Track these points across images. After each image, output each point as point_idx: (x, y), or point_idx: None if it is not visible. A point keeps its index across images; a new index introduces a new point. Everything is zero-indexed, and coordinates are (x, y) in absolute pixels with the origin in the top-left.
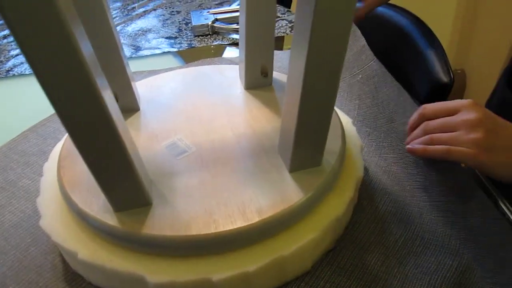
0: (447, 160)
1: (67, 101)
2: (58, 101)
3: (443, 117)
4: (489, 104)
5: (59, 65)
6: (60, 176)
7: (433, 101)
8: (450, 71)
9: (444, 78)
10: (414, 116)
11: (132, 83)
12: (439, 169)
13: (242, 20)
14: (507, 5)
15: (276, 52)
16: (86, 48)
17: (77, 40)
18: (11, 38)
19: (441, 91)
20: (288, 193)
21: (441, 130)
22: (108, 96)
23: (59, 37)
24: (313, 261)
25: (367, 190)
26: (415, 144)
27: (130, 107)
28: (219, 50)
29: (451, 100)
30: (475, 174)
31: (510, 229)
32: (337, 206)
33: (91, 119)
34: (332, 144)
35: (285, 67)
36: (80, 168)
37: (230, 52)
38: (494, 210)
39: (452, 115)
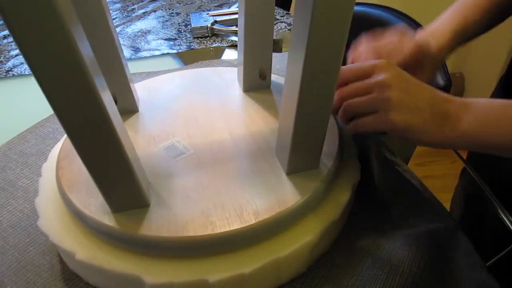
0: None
1: (66, 102)
2: (57, 102)
3: (357, 80)
4: None
5: (58, 66)
6: (58, 176)
7: None
8: (447, 74)
9: (441, 82)
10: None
11: (131, 85)
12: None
13: (241, 23)
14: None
15: (274, 54)
16: (85, 49)
17: (76, 41)
18: (11, 39)
19: None
20: (285, 195)
21: (356, 95)
22: (107, 98)
23: (58, 38)
24: (308, 263)
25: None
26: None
27: (129, 108)
28: (218, 52)
29: None
30: (474, 181)
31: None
32: (333, 209)
33: (90, 121)
34: (328, 147)
35: (283, 69)
36: (78, 168)
37: (229, 54)
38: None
39: (367, 77)
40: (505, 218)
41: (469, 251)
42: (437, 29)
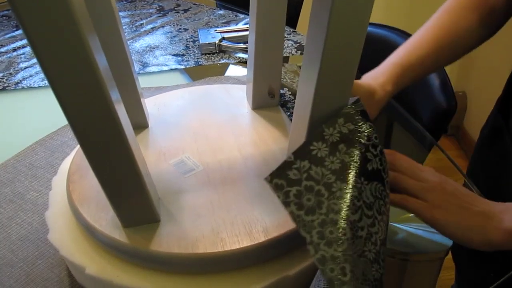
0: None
1: (81, 115)
2: (72, 114)
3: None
4: (482, 133)
5: (75, 76)
6: (69, 190)
7: (436, 126)
8: (453, 96)
9: (447, 104)
10: None
11: (142, 100)
12: None
13: (252, 41)
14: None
15: None
16: (101, 61)
17: (93, 52)
18: (20, 51)
19: (444, 116)
20: None
21: (409, 171)
22: (121, 111)
23: (76, 49)
24: None
25: None
26: None
27: (140, 123)
28: (223, 68)
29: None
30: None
31: None
32: None
33: (104, 134)
34: None
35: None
36: (89, 183)
37: (234, 70)
38: None
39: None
40: None
41: None
42: (378, 72)
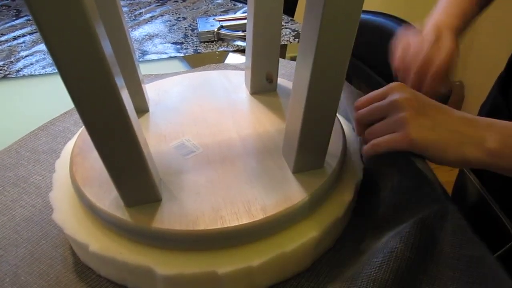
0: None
1: (88, 98)
2: (79, 97)
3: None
4: (482, 110)
5: (82, 62)
6: (72, 172)
7: None
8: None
9: (443, 89)
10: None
11: (142, 85)
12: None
13: (250, 29)
14: (504, 19)
15: (280, 60)
16: (107, 48)
17: (100, 38)
18: (20, 40)
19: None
20: (291, 192)
21: (372, 115)
22: (125, 94)
23: (84, 36)
24: (313, 258)
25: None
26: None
27: (140, 108)
28: (223, 56)
29: None
30: (475, 186)
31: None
32: (337, 207)
33: (110, 115)
34: (333, 148)
35: (287, 74)
36: (91, 164)
37: (233, 58)
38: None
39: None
40: (505, 221)
41: (457, 230)
42: (445, 21)
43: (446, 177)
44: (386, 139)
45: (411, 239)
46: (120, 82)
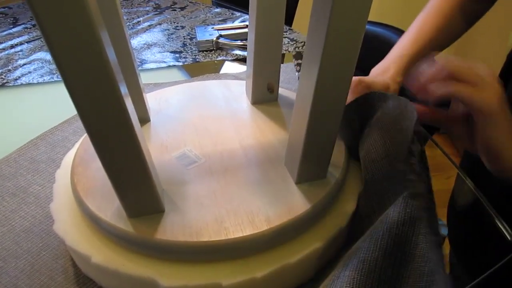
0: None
1: (92, 105)
2: (83, 106)
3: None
4: None
5: (87, 70)
6: (74, 182)
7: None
8: None
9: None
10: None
11: (144, 94)
12: None
13: (251, 39)
14: (501, 21)
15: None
16: (111, 55)
17: (104, 46)
18: (18, 48)
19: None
20: (294, 203)
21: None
22: (129, 103)
23: (89, 43)
24: (316, 269)
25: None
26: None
27: (142, 117)
28: (220, 65)
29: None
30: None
31: None
32: (340, 217)
33: (114, 124)
34: (336, 158)
35: (286, 80)
36: (93, 175)
37: (229, 67)
38: None
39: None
40: (502, 227)
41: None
42: (385, 66)
43: (443, 185)
44: (469, 91)
45: (377, 244)
46: (124, 90)
